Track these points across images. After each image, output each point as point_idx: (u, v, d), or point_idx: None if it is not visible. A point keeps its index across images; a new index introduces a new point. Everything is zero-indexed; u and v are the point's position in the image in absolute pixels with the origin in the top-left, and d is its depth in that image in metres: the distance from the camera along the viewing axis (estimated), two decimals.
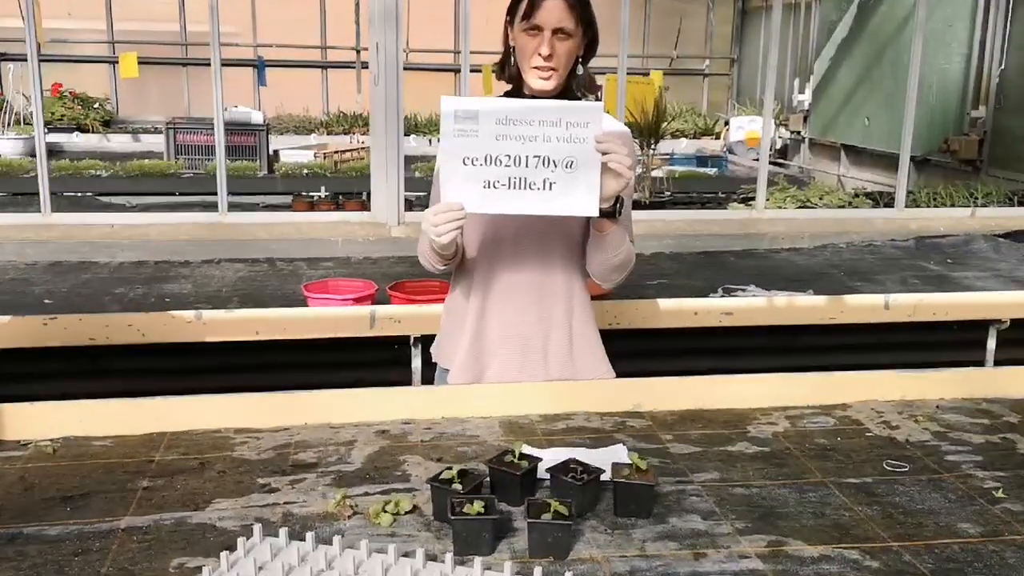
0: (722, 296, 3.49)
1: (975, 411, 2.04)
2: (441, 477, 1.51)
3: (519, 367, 2.13)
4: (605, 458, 1.68)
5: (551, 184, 1.90)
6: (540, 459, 1.60)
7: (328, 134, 10.31)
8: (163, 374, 2.96)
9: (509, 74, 2.09)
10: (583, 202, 1.91)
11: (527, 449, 1.65)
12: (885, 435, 1.88)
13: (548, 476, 1.57)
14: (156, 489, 1.59)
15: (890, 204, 5.58)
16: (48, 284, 3.75)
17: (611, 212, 1.96)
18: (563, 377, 2.13)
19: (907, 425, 1.94)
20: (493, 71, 2.15)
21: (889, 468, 1.73)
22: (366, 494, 1.58)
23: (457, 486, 1.48)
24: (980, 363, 3.47)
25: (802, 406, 2.04)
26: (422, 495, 1.56)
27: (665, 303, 3.17)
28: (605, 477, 1.56)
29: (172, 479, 1.63)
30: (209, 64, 4.57)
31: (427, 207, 2.02)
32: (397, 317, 2.98)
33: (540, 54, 1.96)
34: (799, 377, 2.10)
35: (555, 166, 1.89)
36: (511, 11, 2.03)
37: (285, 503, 1.56)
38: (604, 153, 1.86)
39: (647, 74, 10.18)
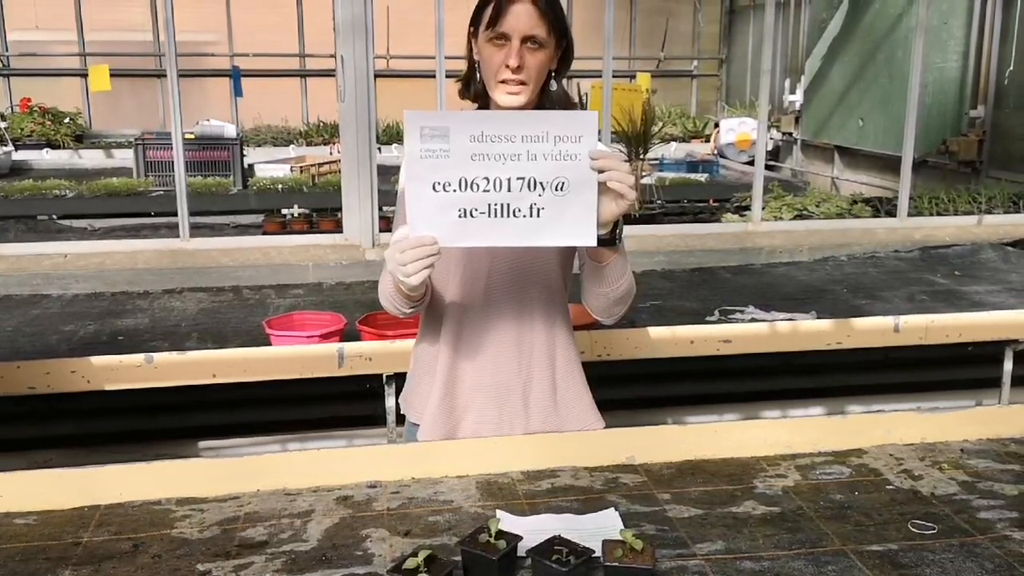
0: (719, 320, 3.31)
1: (1004, 455, 1.85)
2: (405, 567, 1.32)
3: (497, 420, 1.91)
4: (595, 528, 1.51)
5: (539, 210, 1.62)
6: (520, 538, 1.41)
7: (307, 145, 10.13)
8: (112, 413, 2.76)
9: (474, 91, 1.85)
10: (578, 230, 1.64)
11: (505, 521, 1.47)
12: (907, 487, 1.70)
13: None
14: None
15: (891, 211, 5.43)
16: None
17: (611, 240, 1.71)
18: (546, 429, 1.91)
19: (931, 475, 1.76)
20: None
21: (915, 530, 1.54)
22: None
23: None
24: (996, 381, 3.33)
25: (813, 453, 1.85)
26: None
27: (658, 331, 2.98)
28: (596, 555, 1.37)
29: (99, 567, 1.43)
30: (187, 75, 4.35)
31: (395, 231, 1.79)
32: (368, 354, 2.77)
33: (508, 65, 1.72)
34: (808, 421, 1.94)
35: (543, 189, 1.61)
36: (475, 20, 1.79)
37: None
38: (600, 171, 1.60)
39: (633, 77, 10.05)
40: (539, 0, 1.74)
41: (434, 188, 1.61)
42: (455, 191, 1.61)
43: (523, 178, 1.61)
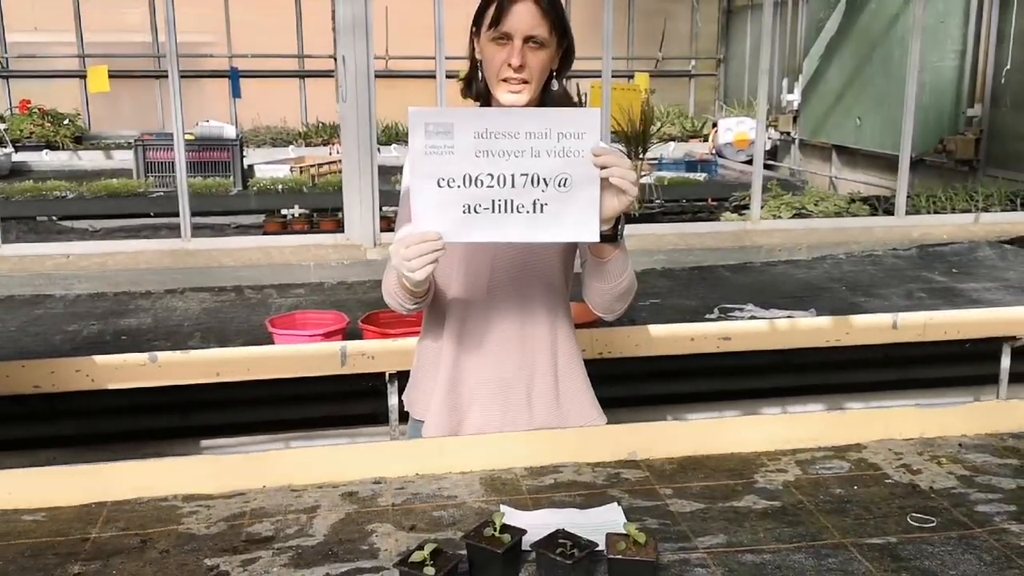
0: (719, 317, 3.32)
1: (1002, 449, 1.87)
2: (412, 560, 1.33)
3: (501, 415, 1.92)
4: (598, 522, 1.51)
5: (542, 206, 1.63)
6: (524, 531, 1.42)
7: (307, 145, 10.13)
8: (116, 413, 2.77)
9: (477, 90, 1.87)
10: (580, 226, 1.65)
11: (510, 515, 1.48)
12: (906, 481, 1.71)
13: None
14: None
15: (889, 210, 5.45)
16: None
17: (612, 235, 1.73)
18: (549, 424, 1.93)
19: (929, 469, 1.77)
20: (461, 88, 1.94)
21: (914, 523, 1.56)
22: None
23: (430, 569, 1.30)
24: (994, 377, 3.34)
25: (812, 448, 1.86)
26: None
27: (658, 329, 2.99)
28: (600, 548, 1.38)
29: (108, 563, 1.44)
30: (185, 76, 4.35)
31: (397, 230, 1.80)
32: (370, 353, 2.78)
33: (510, 64, 1.74)
34: (808, 416, 1.93)
35: (546, 185, 1.62)
36: (477, 19, 1.81)
37: None
38: (603, 167, 1.61)
39: (632, 77, 10.07)
40: (541, 0, 1.75)
41: (438, 184, 1.62)
42: (459, 187, 1.62)
43: (527, 174, 1.63)
